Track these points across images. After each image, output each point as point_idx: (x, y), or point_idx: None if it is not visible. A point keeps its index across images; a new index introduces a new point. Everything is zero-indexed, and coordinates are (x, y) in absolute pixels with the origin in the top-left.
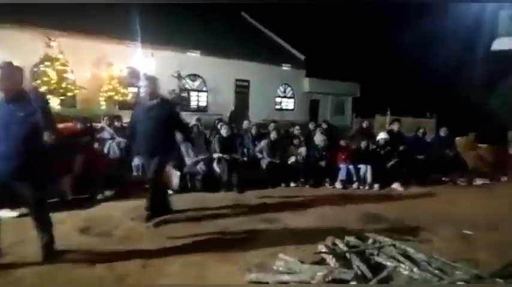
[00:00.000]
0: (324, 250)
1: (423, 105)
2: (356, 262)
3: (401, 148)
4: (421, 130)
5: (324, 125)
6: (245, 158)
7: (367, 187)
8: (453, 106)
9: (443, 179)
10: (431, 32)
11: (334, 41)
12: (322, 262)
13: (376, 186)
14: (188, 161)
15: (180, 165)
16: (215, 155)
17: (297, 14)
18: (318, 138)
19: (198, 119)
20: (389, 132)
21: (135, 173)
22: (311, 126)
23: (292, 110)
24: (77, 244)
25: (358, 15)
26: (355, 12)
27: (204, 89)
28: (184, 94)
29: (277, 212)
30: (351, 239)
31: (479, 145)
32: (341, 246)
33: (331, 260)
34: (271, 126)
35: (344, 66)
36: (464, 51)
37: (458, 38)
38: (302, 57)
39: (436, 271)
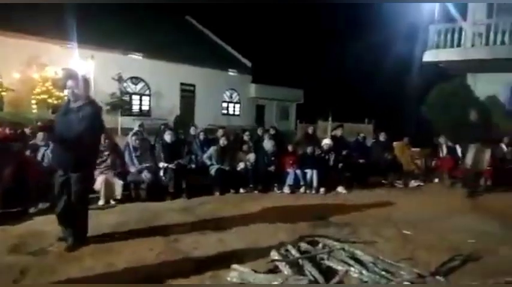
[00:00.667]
0: (276, 257)
1: (361, 112)
2: (308, 267)
3: (344, 152)
4: (361, 135)
5: (272, 131)
6: (193, 165)
7: (313, 191)
8: (390, 112)
9: (382, 181)
10: (370, 43)
11: (280, 49)
12: (275, 269)
13: (322, 190)
14: (132, 169)
15: (123, 173)
16: (160, 164)
17: (244, 21)
18: (268, 144)
19: (141, 125)
20: (333, 137)
21: None
22: (259, 131)
23: (239, 115)
24: (7, 264)
25: (303, 25)
26: (300, 22)
27: (147, 92)
28: (126, 98)
29: (229, 220)
30: (302, 245)
31: (413, 149)
32: (293, 252)
33: (284, 267)
34: (220, 132)
35: (289, 73)
36: (400, 62)
37: (396, 49)
38: (248, 63)
39: (383, 273)
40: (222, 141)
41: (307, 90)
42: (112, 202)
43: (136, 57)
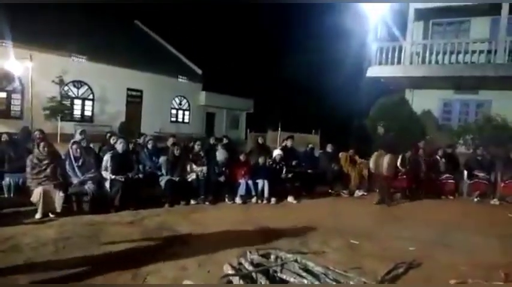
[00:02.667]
0: (230, 271)
1: (309, 122)
2: (262, 280)
3: (294, 162)
4: (310, 146)
5: (225, 140)
6: (141, 175)
7: (265, 201)
8: (337, 124)
9: (329, 191)
10: (320, 56)
11: (231, 58)
12: (228, 282)
13: (273, 200)
14: (74, 180)
15: (64, 185)
16: (107, 176)
17: (195, 29)
18: (221, 155)
19: (83, 132)
20: (284, 148)
21: (5, 195)
22: (212, 141)
23: (188, 122)
24: None
25: (255, 36)
26: (252, 33)
27: (90, 97)
28: (67, 102)
29: (180, 233)
30: (255, 257)
31: (359, 160)
32: (246, 265)
33: (237, 281)
34: (170, 141)
35: (239, 82)
36: (347, 75)
37: (343, 63)
38: (199, 71)
39: (334, 283)
40: (176, 151)
41: (257, 100)
42: (51, 215)
43: (80, 59)
